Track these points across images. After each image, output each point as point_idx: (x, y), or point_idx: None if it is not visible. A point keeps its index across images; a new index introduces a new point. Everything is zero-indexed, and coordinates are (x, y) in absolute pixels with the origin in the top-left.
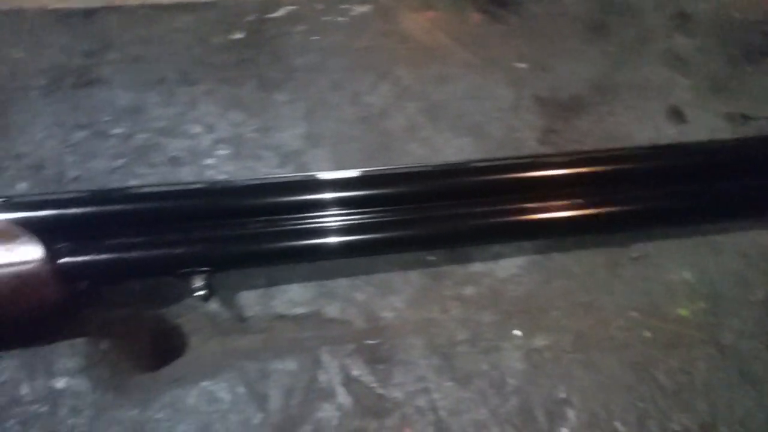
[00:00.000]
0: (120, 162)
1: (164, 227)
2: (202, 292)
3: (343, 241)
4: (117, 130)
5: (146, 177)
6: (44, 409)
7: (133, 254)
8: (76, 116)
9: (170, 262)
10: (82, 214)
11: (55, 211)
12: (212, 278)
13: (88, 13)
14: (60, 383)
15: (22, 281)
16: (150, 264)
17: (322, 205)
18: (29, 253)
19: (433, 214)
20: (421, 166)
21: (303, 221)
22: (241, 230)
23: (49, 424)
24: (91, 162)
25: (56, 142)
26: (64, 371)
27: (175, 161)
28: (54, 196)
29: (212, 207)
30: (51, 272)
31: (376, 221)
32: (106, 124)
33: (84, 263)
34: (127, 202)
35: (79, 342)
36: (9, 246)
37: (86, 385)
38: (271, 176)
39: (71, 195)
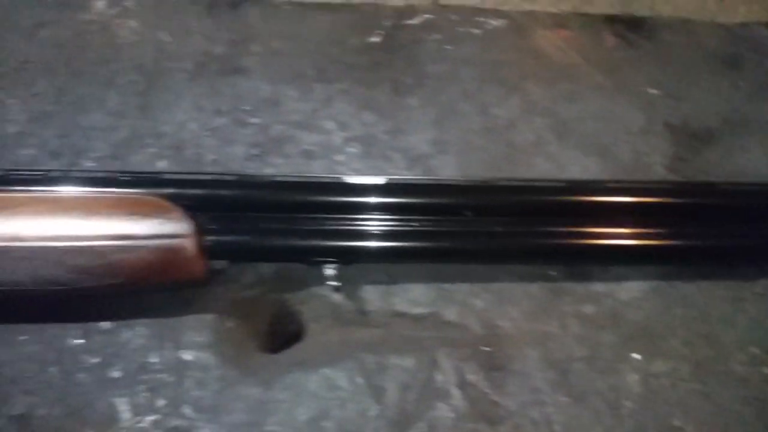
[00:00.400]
0: (256, 150)
1: (303, 216)
2: (334, 283)
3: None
4: (255, 120)
5: (280, 167)
6: (171, 379)
7: (274, 240)
8: (217, 102)
9: (307, 250)
10: (227, 196)
11: (202, 191)
12: (343, 270)
13: (233, 4)
14: (187, 355)
15: (171, 254)
16: (288, 250)
17: (451, 209)
18: (180, 228)
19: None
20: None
21: (435, 224)
22: (375, 226)
23: (175, 394)
24: (229, 148)
25: (197, 126)
26: (192, 344)
27: (307, 154)
28: (201, 176)
29: (351, 202)
30: (198, 249)
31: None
32: (245, 113)
33: (228, 243)
34: (271, 189)
35: (207, 318)
36: (162, 219)
37: (212, 359)
38: (399, 176)
39: (218, 177)
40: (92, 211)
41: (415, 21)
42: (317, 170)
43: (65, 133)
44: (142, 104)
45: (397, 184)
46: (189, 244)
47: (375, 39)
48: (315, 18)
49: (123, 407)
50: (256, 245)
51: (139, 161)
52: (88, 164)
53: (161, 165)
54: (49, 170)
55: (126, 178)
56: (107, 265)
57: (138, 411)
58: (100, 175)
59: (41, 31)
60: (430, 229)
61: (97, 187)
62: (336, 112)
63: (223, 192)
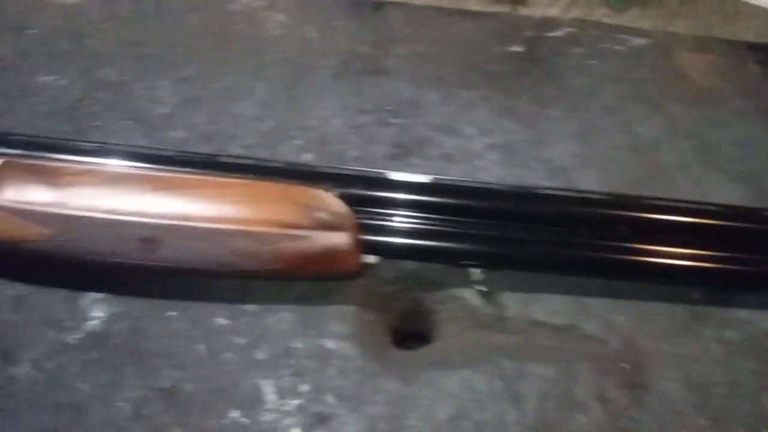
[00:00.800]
0: (398, 150)
1: (456, 219)
2: (481, 287)
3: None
4: (397, 120)
5: (420, 168)
6: (315, 365)
7: (425, 240)
8: (361, 101)
9: (457, 253)
10: (383, 193)
11: (357, 187)
12: (487, 274)
13: (377, 5)
14: (330, 344)
15: (332, 246)
16: (438, 251)
17: (604, 224)
18: (342, 221)
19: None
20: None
21: (583, 237)
22: (527, 234)
23: (318, 380)
24: (372, 146)
25: (341, 122)
26: (334, 334)
27: (447, 157)
28: (356, 172)
29: (507, 208)
30: (356, 243)
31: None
32: (387, 113)
33: (381, 240)
34: (424, 190)
35: (348, 309)
36: (327, 212)
37: (353, 350)
38: (545, 187)
39: (373, 173)
40: (261, 197)
41: (557, 33)
42: (457, 174)
43: (215, 119)
44: (289, 97)
45: (545, 195)
46: (349, 238)
47: (517, 48)
48: (456, 24)
49: (268, 389)
50: (408, 243)
51: (286, 152)
52: (237, 151)
53: (307, 157)
54: (214, 155)
55: (286, 168)
56: (271, 252)
57: (283, 394)
58: (262, 163)
59: (188, 17)
60: (578, 241)
61: (259, 174)
62: (477, 118)
63: (378, 189)
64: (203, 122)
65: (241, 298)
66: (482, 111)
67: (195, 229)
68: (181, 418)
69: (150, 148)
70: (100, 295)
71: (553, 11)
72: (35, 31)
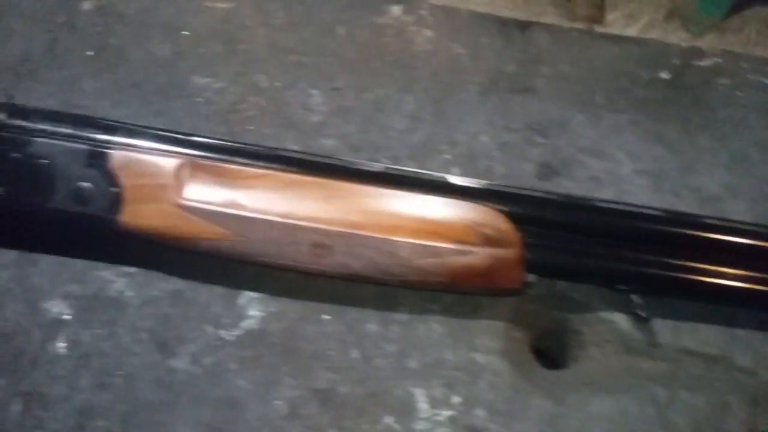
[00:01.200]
0: (545, 170)
1: (614, 243)
2: (641, 313)
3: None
4: (543, 140)
5: (569, 190)
6: (466, 378)
7: (584, 261)
8: (507, 119)
9: (613, 276)
10: (548, 214)
11: (520, 205)
12: (648, 300)
13: (523, 25)
14: (480, 358)
15: (497, 263)
16: (596, 274)
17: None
18: (509, 240)
19: None
20: None
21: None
22: (684, 262)
23: (469, 393)
24: (519, 164)
25: (488, 139)
26: (484, 348)
27: (595, 180)
28: (519, 191)
29: (665, 233)
30: (521, 261)
31: None
32: (534, 132)
33: (543, 260)
34: (591, 213)
35: (498, 324)
36: (495, 230)
37: (503, 366)
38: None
39: (539, 195)
40: (430, 211)
41: (704, 63)
42: (606, 197)
43: (365, 129)
44: (436, 111)
45: (707, 224)
46: (514, 256)
47: (664, 75)
48: (602, 47)
49: (420, 398)
50: (570, 264)
51: (434, 166)
52: (385, 162)
53: (454, 172)
54: (387, 166)
55: (448, 183)
56: (439, 265)
57: (435, 404)
58: (422, 176)
59: (339, 28)
60: (735, 272)
61: (420, 187)
62: (625, 142)
63: (543, 209)
64: (353, 132)
65: (392, 306)
66: (630, 135)
67: (367, 238)
68: (336, 421)
69: (311, 154)
70: (256, 295)
71: (631, 31)
72: (189, 32)
